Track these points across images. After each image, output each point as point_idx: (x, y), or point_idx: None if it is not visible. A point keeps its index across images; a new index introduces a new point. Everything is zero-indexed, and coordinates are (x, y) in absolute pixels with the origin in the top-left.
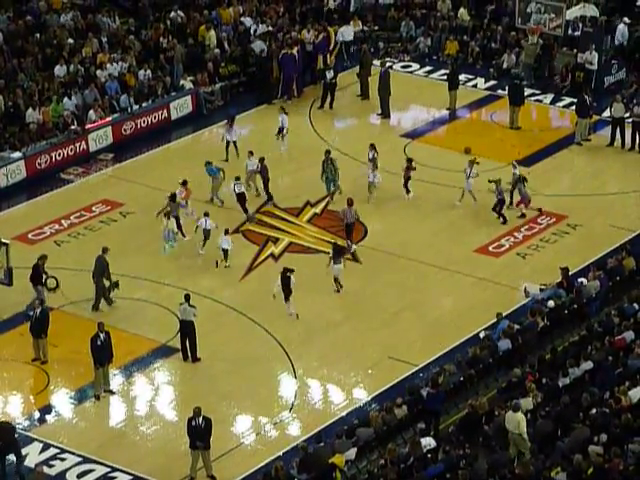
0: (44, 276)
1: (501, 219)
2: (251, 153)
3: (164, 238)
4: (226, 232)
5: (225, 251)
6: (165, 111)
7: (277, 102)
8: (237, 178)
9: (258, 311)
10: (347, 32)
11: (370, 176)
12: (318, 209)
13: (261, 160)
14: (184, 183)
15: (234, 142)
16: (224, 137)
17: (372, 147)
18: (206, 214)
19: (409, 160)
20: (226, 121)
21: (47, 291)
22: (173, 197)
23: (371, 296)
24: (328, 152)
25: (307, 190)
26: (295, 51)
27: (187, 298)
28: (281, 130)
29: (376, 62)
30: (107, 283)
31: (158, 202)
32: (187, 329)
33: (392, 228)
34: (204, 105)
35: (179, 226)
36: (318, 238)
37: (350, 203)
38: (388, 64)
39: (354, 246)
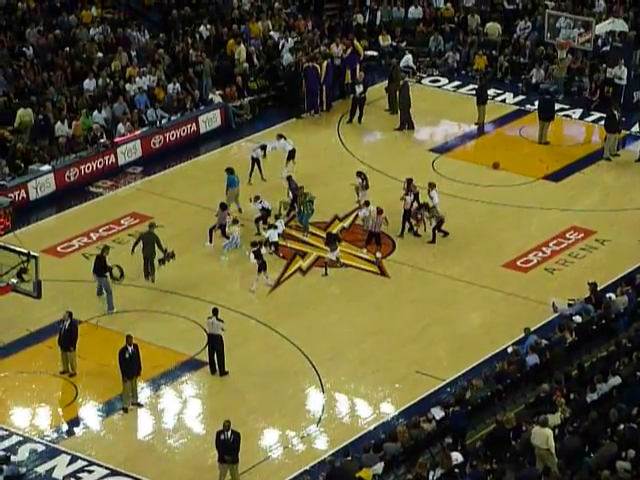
0: (108, 266)
1: (442, 234)
2: (257, 198)
3: (230, 247)
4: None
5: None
6: (194, 125)
7: (305, 116)
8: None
9: (286, 325)
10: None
11: (364, 213)
12: (346, 223)
13: (289, 178)
14: (223, 207)
15: (287, 178)
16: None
17: (360, 173)
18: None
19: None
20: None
21: (112, 280)
22: (223, 206)
23: (399, 310)
24: (301, 187)
25: (335, 204)
26: (321, 65)
27: (215, 312)
28: (264, 154)
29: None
30: (161, 255)
31: (186, 215)
32: (215, 343)
33: (419, 242)
34: (233, 119)
35: (223, 233)
36: (346, 252)
37: (379, 211)
38: (406, 77)
39: (379, 254)
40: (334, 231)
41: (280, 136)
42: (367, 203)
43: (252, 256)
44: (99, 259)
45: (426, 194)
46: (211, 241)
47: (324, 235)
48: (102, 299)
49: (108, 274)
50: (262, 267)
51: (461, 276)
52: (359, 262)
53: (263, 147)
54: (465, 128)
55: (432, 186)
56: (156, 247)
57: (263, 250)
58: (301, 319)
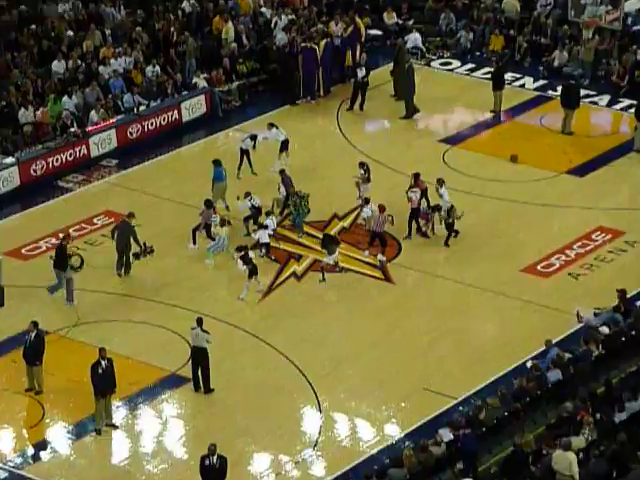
0: (68, 254)
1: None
2: (247, 195)
3: (216, 250)
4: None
5: (265, 245)
6: (176, 112)
7: (301, 103)
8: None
9: (279, 336)
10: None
11: (365, 212)
12: (346, 223)
13: (282, 172)
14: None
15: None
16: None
17: (362, 165)
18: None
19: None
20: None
21: (72, 271)
22: (209, 203)
23: (405, 320)
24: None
25: (334, 201)
26: (318, 45)
27: (199, 322)
28: (254, 145)
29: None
30: (136, 249)
31: (166, 214)
32: (199, 356)
33: (428, 244)
34: (219, 106)
35: (209, 234)
36: (346, 255)
37: (382, 209)
38: (413, 59)
39: (383, 257)
40: (332, 232)
41: (272, 125)
42: (367, 200)
43: (240, 262)
44: (60, 250)
45: (435, 192)
46: (195, 243)
47: (321, 236)
48: (74, 305)
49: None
50: (253, 272)
51: (474, 282)
52: (360, 266)
53: (253, 137)
54: (479, 116)
55: (441, 183)
56: (132, 241)
57: (251, 254)
58: (296, 330)
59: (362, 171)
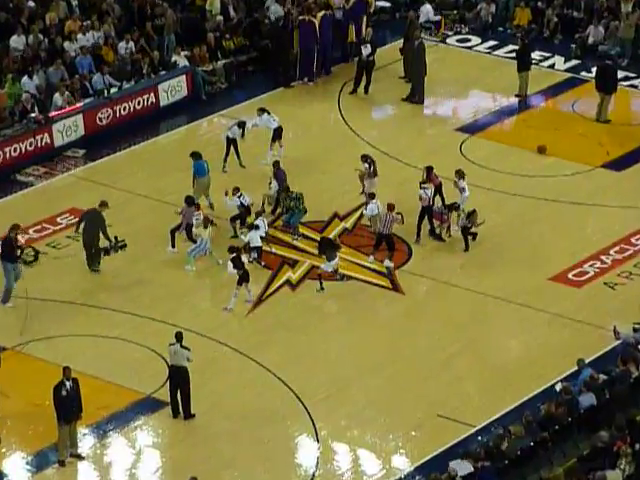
0: (19, 250)
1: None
2: (235, 191)
3: (198, 253)
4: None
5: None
6: (152, 95)
7: (297, 85)
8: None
9: (271, 354)
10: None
11: (370, 209)
12: (349, 223)
13: (275, 164)
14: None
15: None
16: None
17: (366, 158)
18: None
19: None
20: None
21: (24, 266)
22: (190, 200)
23: (416, 336)
24: (287, 189)
25: (335, 199)
26: (317, 18)
27: (179, 337)
28: (243, 133)
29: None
30: (106, 243)
31: (141, 213)
32: (179, 377)
33: (442, 249)
34: (203, 88)
35: (189, 236)
36: (348, 261)
37: (391, 207)
38: (422, 35)
39: (390, 263)
40: (332, 234)
41: (263, 110)
42: (372, 196)
43: (230, 266)
44: (8, 242)
45: (453, 187)
46: (173, 246)
47: (319, 239)
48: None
49: (20, 261)
50: (243, 278)
51: (496, 292)
52: (365, 273)
53: (241, 124)
54: (502, 101)
55: (461, 175)
56: (101, 234)
57: (244, 258)
58: (290, 346)
59: (366, 165)
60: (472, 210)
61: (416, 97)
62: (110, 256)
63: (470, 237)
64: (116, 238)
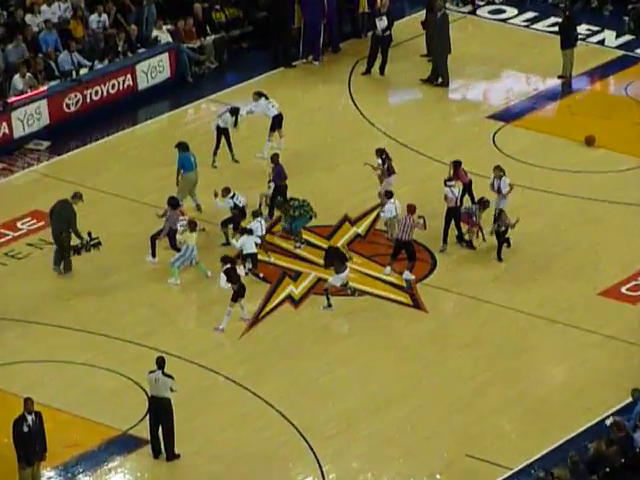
0: None
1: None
2: (226, 191)
3: (183, 264)
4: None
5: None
6: (129, 77)
7: (300, 64)
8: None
9: (269, 383)
10: None
11: (387, 210)
12: (361, 228)
13: (274, 158)
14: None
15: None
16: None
17: (380, 152)
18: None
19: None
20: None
21: None
22: (174, 201)
23: (441, 362)
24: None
25: (345, 199)
26: None
27: (160, 363)
28: (236, 122)
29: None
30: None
31: (116, 216)
32: (160, 410)
33: (472, 258)
34: (189, 68)
35: (172, 244)
36: (361, 273)
37: (412, 209)
38: (446, 5)
39: (411, 276)
40: (341, 242)
41: (260, 94)
42: (390, 194)
43: (223, 278)
44: None
45: (490, 189)
46: (154, 255)
47: (325, 248)
48: None
49: None
50: (239, 294)
51: (536, 309)
52: (380, 288)
53: (234, 111)
54: (542, 84)
55: (500, 172)
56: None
57: (240, 270)
58: (292, 374)
59: (379, 161)
60: (499, 211)
61: (440, 79)
62: (81, 255)
63: (505, 244)
64: (89, 235)
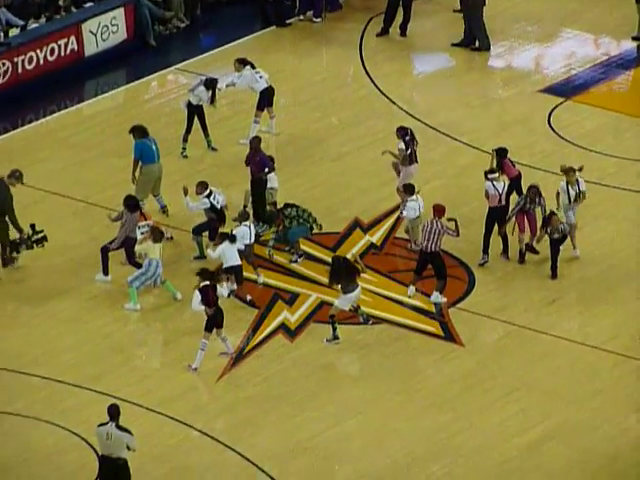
0: None
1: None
2: (201, 187)
3: (144, 283)
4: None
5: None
6: (73, 40)
7: (296, 22)
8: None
9: (258, 440)
10: None
11: (409, 210)
12: (377, 236)
13: (252, 142)
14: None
15: None
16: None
17: (404, 133)
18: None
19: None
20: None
21: None
22: (131, 202)
23: (481, 410)
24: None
25: (355, 199)
26: None
27: (114, 414)
28: (212, 98)
29: None
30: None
31: (56, 219)
32: (114, 473)
33: (520, 275)
34: (151, 28)
35: (130, 258)
36: (376, 294)
37: (439, 211)
38: None
39: (441, 298)
40: (351, 253)
41: (244, 63)
42: (411, 189)
43: (197, 298)
44: None
45: (556, 197)
46: (106, 272)
47: (332, 259)
48: None
49: None
50: (212, 323)
51: (606, 342)
52: (402, 314)
53: (210, 84)
54: (612, 47)
55: (574, 174)
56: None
57: (221, 289)
58: (286, 428)
59: (401, 144)
60: (550, 212)
61: (476, 41)
62: (20, 253)
63: (532, 252)
64: (33, 227)
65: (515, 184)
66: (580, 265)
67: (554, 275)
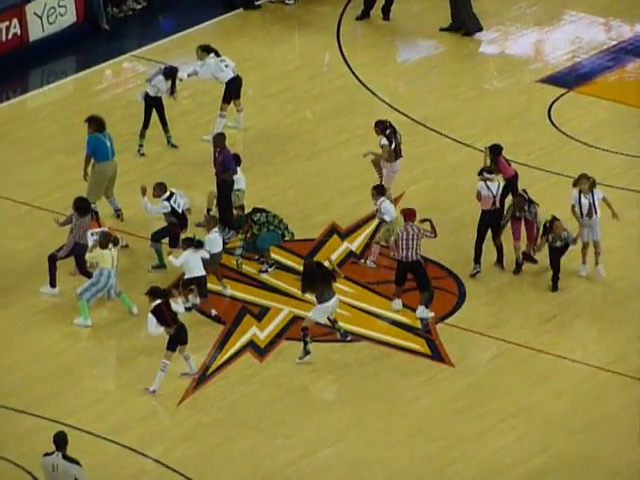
0: None
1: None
2: (160, 189)
3: (94, 295)
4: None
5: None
6: (16, 23)
7: (266, 3)
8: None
9: (220, 471)
10: None
11: (385, 211)
12: (356, 243)
13: (216, 139)
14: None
15: None
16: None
17: (383, 127)
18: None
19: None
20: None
21: None
22: (81, 205)
23: (474, 437)
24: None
25: (332, 202)
26: None
27: (60, 442)
28: (172, 88)
29: None
30: None
31: None
32: None
33: (516, 287)
34: (103, 9)
35: (80, 267)
36: (358, 308)
37: (410, 214)
38: None
39: (427, 313)
40: (329, 260)
41: (208, 50)
42: (382, 190)
43: (152, 322)
44: None
45: (572, 214)
46: (54, 284)
47: (304, 264)
48: None
49: None
50: (176, 341)
51: (614, 362)
52: (384, 330)
53: (168, 72)
54: (622, 31)
55: (588, 183)
56: None
57: (175, 304)
58: (255, 457)
59: (383, 140)
60: (551, 218)
61: (464, 24)
62: None
63: (529, 261)
64: None
65: (511, 185)
66: (585, 278)
67: (555, 287)
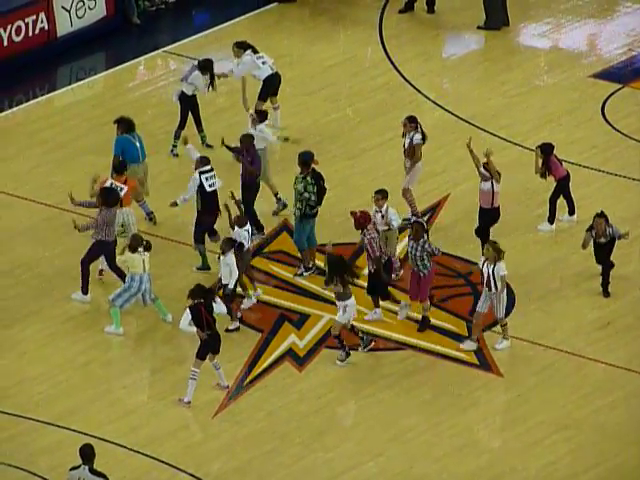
0: None
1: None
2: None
3: (128, 301)
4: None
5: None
6: (43, 17)
7: None
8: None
9: None
10: None
11: (393, 217)
12: (401, 244)
13: (245, 141)
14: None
15: None
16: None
17: (411, 122)
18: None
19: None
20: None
21: None
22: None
23: (523, 450)
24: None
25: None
26: None
27: (88, 456)
28: (211, 83)
29: None
30: None
31: (24, 229)
32: None
33: (567, 293)
34: (134, 4)
35: (109, 263)
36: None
37: (363, 220)
38: None
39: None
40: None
41: (244, 46)
42: (384, 194)
43: (187, 316)
44: None
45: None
46: (86, 291)
47: (326, 257)
48: None
49: None
50: (206, 348)
51: None
52: (428, 338)
53: (204, 66)
54: None
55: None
56: None
57: (219, 306)
58: (294, 472)
59: (418, 134)
60: (595, 214)
61: (497, 22)
62: None
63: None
64: None
65: (563, 186)
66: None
67: (606, 293)
